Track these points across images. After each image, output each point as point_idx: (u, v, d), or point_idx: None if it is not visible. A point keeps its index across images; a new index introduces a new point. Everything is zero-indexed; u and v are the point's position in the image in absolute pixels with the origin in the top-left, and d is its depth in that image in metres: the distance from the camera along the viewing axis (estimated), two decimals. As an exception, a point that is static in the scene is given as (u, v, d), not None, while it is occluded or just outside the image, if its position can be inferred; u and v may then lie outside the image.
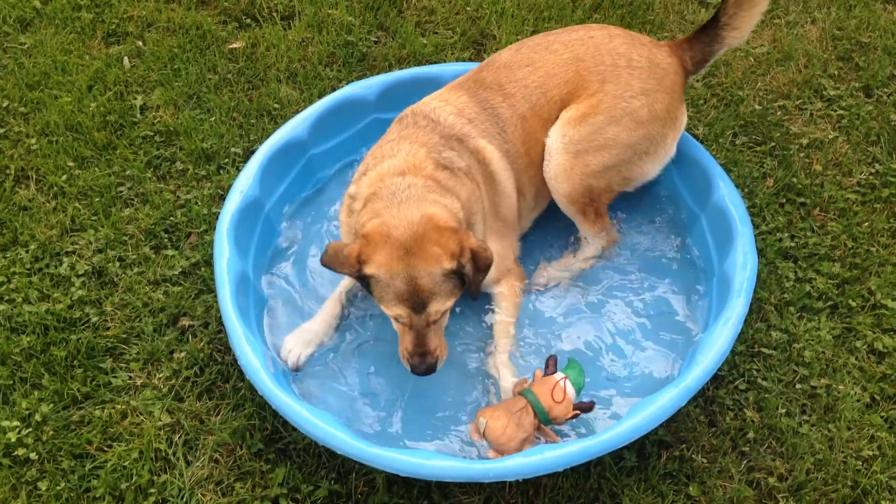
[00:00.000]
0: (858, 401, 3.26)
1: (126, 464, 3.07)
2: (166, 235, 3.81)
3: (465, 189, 3.21)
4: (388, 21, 4.84)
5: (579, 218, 3.54)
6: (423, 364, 3.03)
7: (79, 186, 3.99)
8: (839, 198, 3.93)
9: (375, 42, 4.75)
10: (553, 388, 3.01)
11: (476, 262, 2.97)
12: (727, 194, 3.53)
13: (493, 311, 3.42)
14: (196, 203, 3.91)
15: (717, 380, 3.31)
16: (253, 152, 3.77)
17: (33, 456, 3.08)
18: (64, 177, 4.02)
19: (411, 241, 2.91)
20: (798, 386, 3.30)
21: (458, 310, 3.45)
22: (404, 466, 2.74)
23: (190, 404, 3.25)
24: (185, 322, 3.50)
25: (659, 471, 3.06)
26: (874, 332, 3.47)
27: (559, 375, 3.07)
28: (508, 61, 3.50)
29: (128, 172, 4.06)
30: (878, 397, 3.29)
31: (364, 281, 2.99)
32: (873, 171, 4.09)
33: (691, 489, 3.03)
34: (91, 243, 3.76)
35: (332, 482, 3.04)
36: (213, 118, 4.30)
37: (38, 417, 3.16)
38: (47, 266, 3.67)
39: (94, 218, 3.87)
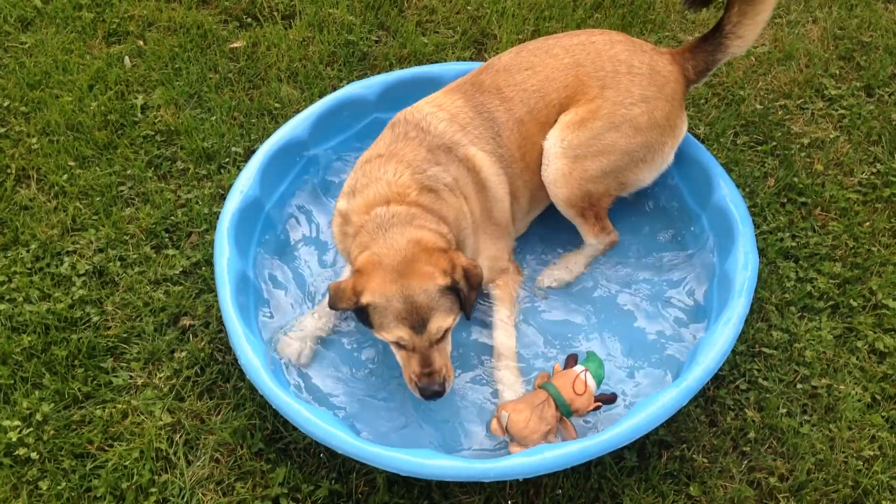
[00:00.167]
0: (859, 401, 3.25)
1: (127, 463, 3.07)
2: (167, 235, 3.81)
3: (451, 209, 3.22)
4: (388, 20, 4.84)
5: (579, 221, 3.54)
6: (432, 385, 2.98)
7: (80, 186, 3.99)
8: (840, 197, 3.93)
9: (376, 41, 4.75)
10: (574, 381, 3.03)
11: (468, 279, 3.00)
12: (728, 194, 3.53)
13: (492, 313, 3.42)
14: (197, 202, 3.91)
15: (717, 379, 3.31)
16: (253, 152, 3.77)
17: (34, 455, 3.09)
18: (65, 176, 4.02)
19: (402, 264, 2.94)
20: (799, 386, 3.30)
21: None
22: (405, 466, 2.74)
23: (191, 404, 3.25)
24: (185, 321, 3.51)
25: (659, 471, 3.06)
26: (875, 332, 3.46)
27: (579, 368, 3.10)
28: (508, 65, 3.50)
29: (129, 172, 4.06)
30: (879, 397, 3.29)
31: (364, 313, 2.99)
32: (874, 170, 4.09)
33: (692, 489, 3.03)
34: (92, 243, 3.76)
35: (333, 482, 3.04)
36: (214, 117, 4.30)
37: (38, 417, 3.17)
38: (48, 265, 3.67)
39: (94, 217, 3.87)
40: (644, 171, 3.54)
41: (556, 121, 3.44)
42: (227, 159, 4.12)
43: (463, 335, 3.44)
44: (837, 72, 4.56)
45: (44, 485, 3.02)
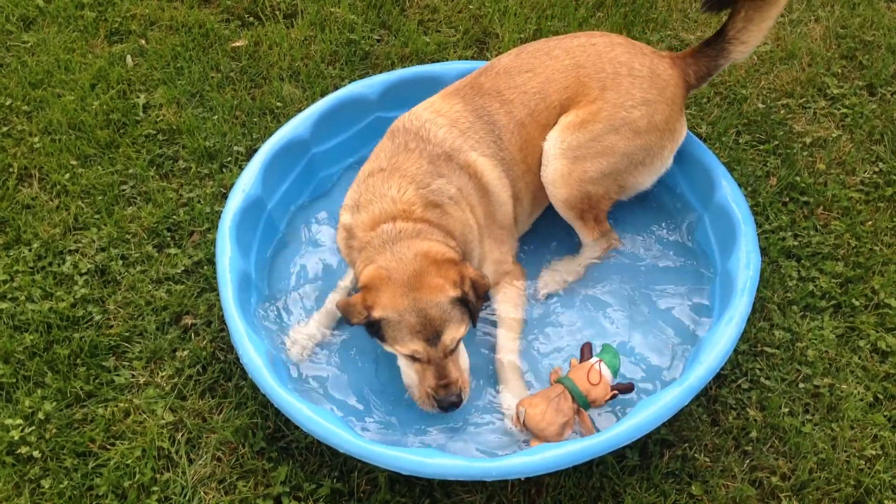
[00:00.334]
0: (861, 400, 3.25)
1: (129, 462, 3.07)
2: (169, 234, 3.81)
3: (457, 223, 3.24)
4: (390, 19, 4.83)
5: (578, 223, 3.53)
6: (450, 396, 2.98)
7: (82, 185, 3.99)
8: (842, 196, 3.93)
9: (378, 40, 4.75)
10: (588, 371, 3.05)
11: (476, 290, 3.04)
12: (730, 193, 3.52)
13: (496, 312, 3.43)
14: (199, 201, 3.91)
15: (719, 379, 3.30)
16: (255, 151, 3.77)
17: (36, 454, 3.09)
18: (67, 175, 4.03)
19: (412, 278, 2.96)
20: (801, 385, 3.30)
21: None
22: (406, 465, 2.74)
23: (192, 402, 3.25)
24: (187, 320, 3.51)
25: (661, 470, 3.06)
26: (877, 332, 3.46)
27: (594, 359, 3.11)
28: (508, 67, 3.49)
29: (131, 171, 4.06)
30: (881, 396, 3.28)
31: (375, 327, 3.00)
32: (877, 169, 4.08)
33: (694, 488, 3.02)
34: (94, 242, 3.76)
35: (335, 480, 3.04)
36: (216, 117, 4.30)
37: (41, 415, 3.17)
38: (50, 264, 3.68)
39: (96, 216, 3.87)
40: (643, 174, 3.54)
41: (556, 122, 3.44)
42: (229, 158, 4.12)
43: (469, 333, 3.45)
44: (840, 71, 4.55)
45: (46, 483, 3.02)
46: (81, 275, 3.63)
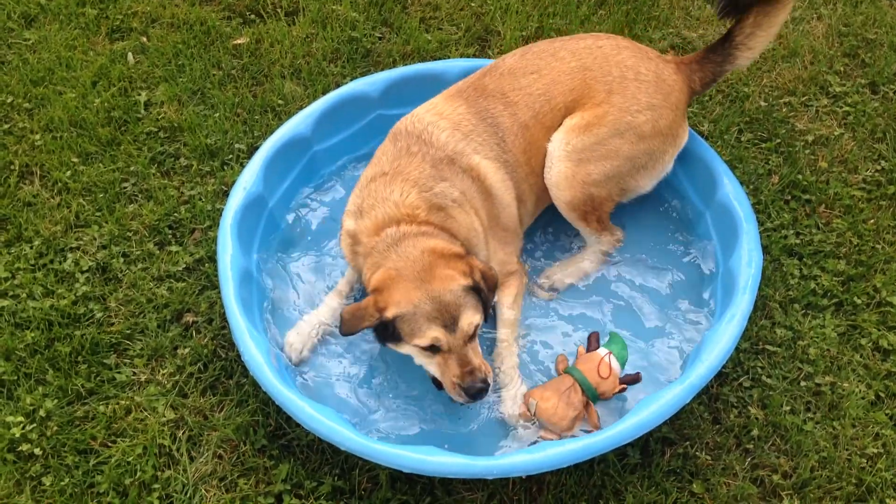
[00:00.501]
0: (863, 398, 3.25)
1: (130, 459, 3.07)
2: (170, 231, 3.81)
3: (461, 227, 3.25)
4: (392, 17, 4.83)
5: (581, 224, 3.53)
6: (476, 382, 2.95)
7: (83, 182, 3.99)
8: (845, 195, 3.92)
9: (379, 38, 4.75)
10: (599, 365, 3.06)
11: (486, 281, 3.05)
12: (732, 191, 3.52)
13: (496, 308, 3.42)
14: (200, 199, 3.91)
15: (721, 377, 3.30)
16: (257, 148, 3.77)
17: (37, 451, 3.09)
18: (68, 173, 4.02)
19: (422, 272, 2.97)
20: (803, 383, 3.30)
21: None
22: (407, 463, 2.74)
23: (194, 400, 3.25)
24: (188, 318, 3.51)
25: (663, 468, 3.06)
26: (879, 330, 3.46)
27: (603, 351, 3.13)
28: (513, 68, 3.48)
29: (132, 168, 4.06)
30: (882, 395, 3.28)
31: (388, 329, 2.98)
32: (879, 167, 4.08)
33: (695, 486, 3.02)
34: (95, 239, 3.76)
35: (336, 478, 3.04)
36: (218, 114, 4.30)
37: (42, 413, 3.17)
38: (51, 262, 3.68)
39: (98, 214, 3.87)
40: (644, 177, 3.55)
41: (560, 123, 3.44)
42: (231, 156, 4.12)
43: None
44: (842, 69, 4.54)
45: (47, 481, 3.03)
46: (83, 272, 3.63)
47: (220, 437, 3.14)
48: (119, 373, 3.33)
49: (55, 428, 3.15)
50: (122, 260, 3.69)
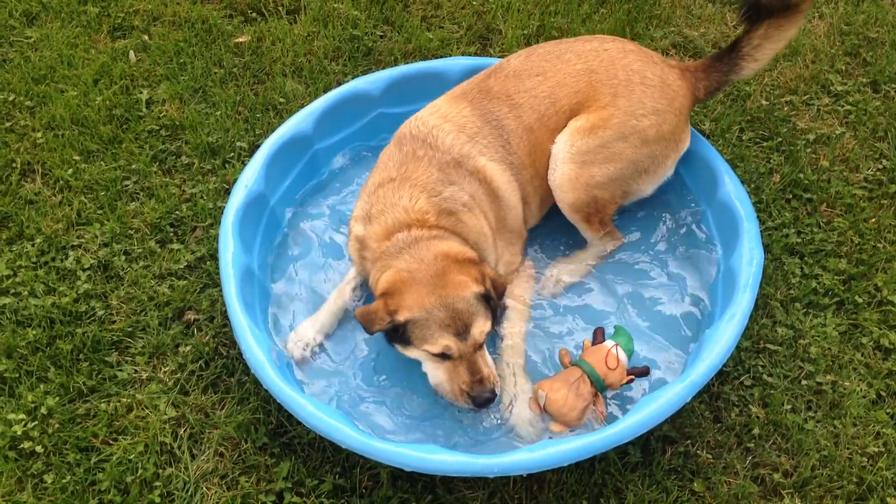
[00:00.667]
0: (864, 397, 3.25)
1: (131, 457, 3.08)
2: (172, 229, 3.82)
3: (471, 231, 3.25)
4: (393, 15, 4.83)
5: (583, 226, 3.54)
6: (484, 391, 2.97)
7: (85, 180, 4.00)
8: (846, 194, 3.92)
9: (381, 36, 4.75)
10: (606, 356, 3.08)
11: (496, 288, 3.07)
12: (733, 190, 3.52)
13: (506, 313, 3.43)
14: (201, 197, 3.92)
15: (722, 376, 3.30)
16: (258, 146, 3.77)
17: (39, 449, 3.09)
18: (70, 170, 4.03)
19: (435, 277, 2.98)
20: (804, 382, 3.30)
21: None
22: (408, 461, 2.74)
23: (195, 398, 3.25)
24: (190, 316, 3.51)
25: (664, 466, 3.06)
26: (880, 329, 3.46)
27: (609, 343, 3.15)
28: (518, 69, 3.48)
29: (133, 166, 4.06)
30: (883, 394, 3.28)
31: (399, 331, 2.99)
32: (880, 166, 4.08)
33: (696, 485, 3.02)
34: (97, 237, 3.77)
35: (337, 476, 3.04)
36: (219, 112, 4.30)
37: (43, 410, 3.17)
38: (53, 260, 3.68)
39: (99, 212, 3.87)
40: (646, 181, 3.56)
41: (565, 125, 3.44)
42: (232, 154, 4.12)
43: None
44: (843, 68, 4.54)
45: (48, 478, 3.03)
46: (84, 270, 3.64)
47: (222, 434, 3.14)
48: (120, 370, 3.33)
49: (56, 425, 3.15)
50: (123, 258, 3.69)
